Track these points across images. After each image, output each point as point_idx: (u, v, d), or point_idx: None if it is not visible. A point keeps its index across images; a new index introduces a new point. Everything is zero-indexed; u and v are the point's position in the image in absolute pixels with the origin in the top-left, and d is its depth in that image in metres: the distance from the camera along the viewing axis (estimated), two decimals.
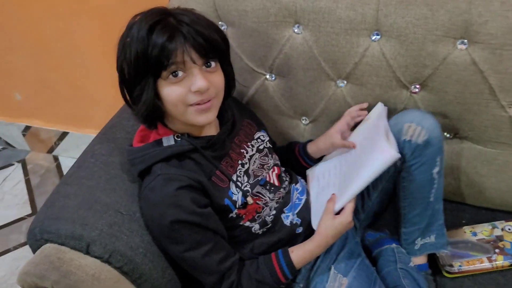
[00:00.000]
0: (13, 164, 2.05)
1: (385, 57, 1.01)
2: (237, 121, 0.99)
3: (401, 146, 0.91)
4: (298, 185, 1.06)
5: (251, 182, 0.95)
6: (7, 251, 1.67)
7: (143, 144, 0.90)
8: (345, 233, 0.97)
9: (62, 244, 0.85)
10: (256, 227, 0.96)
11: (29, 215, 1.80)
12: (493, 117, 0.99)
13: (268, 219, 0.98)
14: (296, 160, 1.12)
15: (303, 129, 1.19)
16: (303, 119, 1.19)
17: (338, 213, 0.90)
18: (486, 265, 0.98)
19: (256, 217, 0.96)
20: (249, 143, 1.00)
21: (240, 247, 0.96)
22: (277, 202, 1.00)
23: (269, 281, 0.91)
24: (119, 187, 0.93)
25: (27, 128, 1.99)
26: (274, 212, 0.98)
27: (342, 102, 1.10)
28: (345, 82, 1.08)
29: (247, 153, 0.98)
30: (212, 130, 0.94)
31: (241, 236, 0.96)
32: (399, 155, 0.84)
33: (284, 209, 1.00)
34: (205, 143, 0.90)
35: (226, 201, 0.90)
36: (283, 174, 1.05)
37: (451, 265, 0.99)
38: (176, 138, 0.88)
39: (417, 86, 1.02)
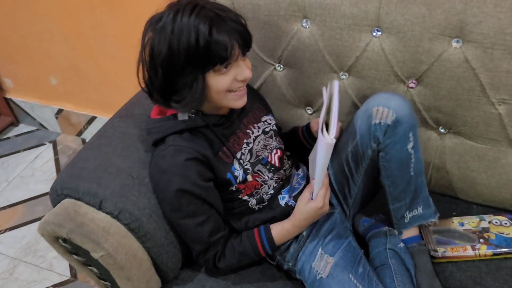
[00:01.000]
0: (45, 144, 2.20)
1: (384, 52, 1.07)
2: (248, 104, 1.04)
3: (373, 130, 0.94)
4: (299, 171, 1.15)
5: (252, 161, 1.03)
6: (34, 220, 1.81)
7: (160, 116, 1.00)
8: (333, 218, 1.06)
9: (79, 199, 0.96)
10: (253, 202, 1.04)
11: None
12: (484, 114, 1.04)
13: (265, 197, 1.06)
14: (300, 143, 1.20)
15: (307, 119, 1.27)
16: (307, 109, 1.26)
17: None
18: (469, 252, 1.03)
19: (254, 193, 1.04)
20: (255, 125, 1.08)
21: (236, 219, 1.05)
22: (276, 182, 1.08)
23: (250, 254, 1.00)
24: (132, 155, 1.04)
25: (59, 111, 2.12)
26: (272, 191, 1.06)
27: (343, 94, 1.16)
28: (347, 74, 1.15)
29: (252, 133, 1.06)
30: (224, 110, 1.02)
31: (238, 209, 1.04)
32: (333, 141, 0.86)
33: (282, 190, 1.08)
34: (216, 121, 1.00)
35: (228, 175, 0.99)
36: (285, 157, 1.13)
37: (436, 250, 1.04)
38: (190, 115, 0.97)
39: (414, 81, 1.09)
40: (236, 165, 1.00)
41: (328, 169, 1.06)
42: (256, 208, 1.06)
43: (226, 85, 0.90)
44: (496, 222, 1.08)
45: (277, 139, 1.12)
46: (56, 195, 0.99)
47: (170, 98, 0.92)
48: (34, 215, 1.84)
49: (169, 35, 0.84)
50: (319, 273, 0.96)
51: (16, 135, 2.27)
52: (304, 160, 1.16)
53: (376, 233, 1.06)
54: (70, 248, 0.95)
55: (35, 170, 2.06)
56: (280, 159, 1.10)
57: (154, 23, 0.87)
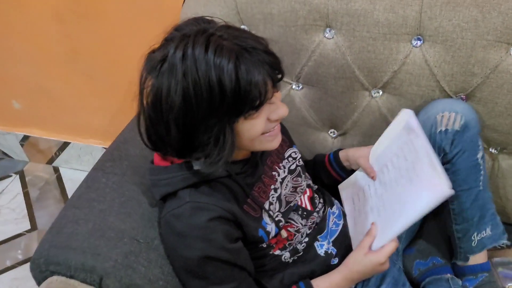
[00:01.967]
0: (10, 176, 1.95)
1: (428, 65, 0.92)
2: None
3: (438, 140, 0.86)
4: (334, 208, 0.97)
5: (282, 211, 0.86)
6: (5, 269, 1.56)
7: (166, 162, 0.79)
8: None
9: (71, 277, 0.77)
10: (286, 255, 0.87)
11: (28, 231, 1.70)
12: None
13: (300, 246, 0.88)
14: (326, 173, 1.02)
15: (331, 143, 1.10)
16: (331, 132, 1.09)
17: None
18: None
19: (287, 245, 0.87)
20: (280, 164, 0.90)
21: (269, 278, 0.87)
22: (309, 228, 0.90)
23: None
24: (134, 212, 0.84)
25: (25, 137, 1.91)
26: (306, 239, 0.89)
27: (376, 114, 1.00)
28: (381, 92, 0.98)
29: (278, 175, 0.88)
30: (244, 153, 0.83)
31: (270, 265, 0.87)
32: (452, 191, 0.70)
33: (319, 236, 0.91)
34: (240, 169, 0.81)
35: (261, 232, 0.81)
36: (315, 196, 0.95)
37: None
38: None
39: (463, 97, 0.93)
40: (266, 218, 0.82)
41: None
42: (291, 261, 0.88)
43: (261, 130, 0.71)
44: None
45: (306, 175, 0.95)
46: (39, 271, 0.78)
47: (190, 155, 0.72)
48: (5, 263, 1.59)
49: (181, 82, 0.64)
50: None
51: None
52: (332, 191, 1.00)
53: (436, 279, 0.92)
54: None
55: (2, 208, 1.81)
56: (311, 199, 0.93)
57: (155, 65, 0.66)
